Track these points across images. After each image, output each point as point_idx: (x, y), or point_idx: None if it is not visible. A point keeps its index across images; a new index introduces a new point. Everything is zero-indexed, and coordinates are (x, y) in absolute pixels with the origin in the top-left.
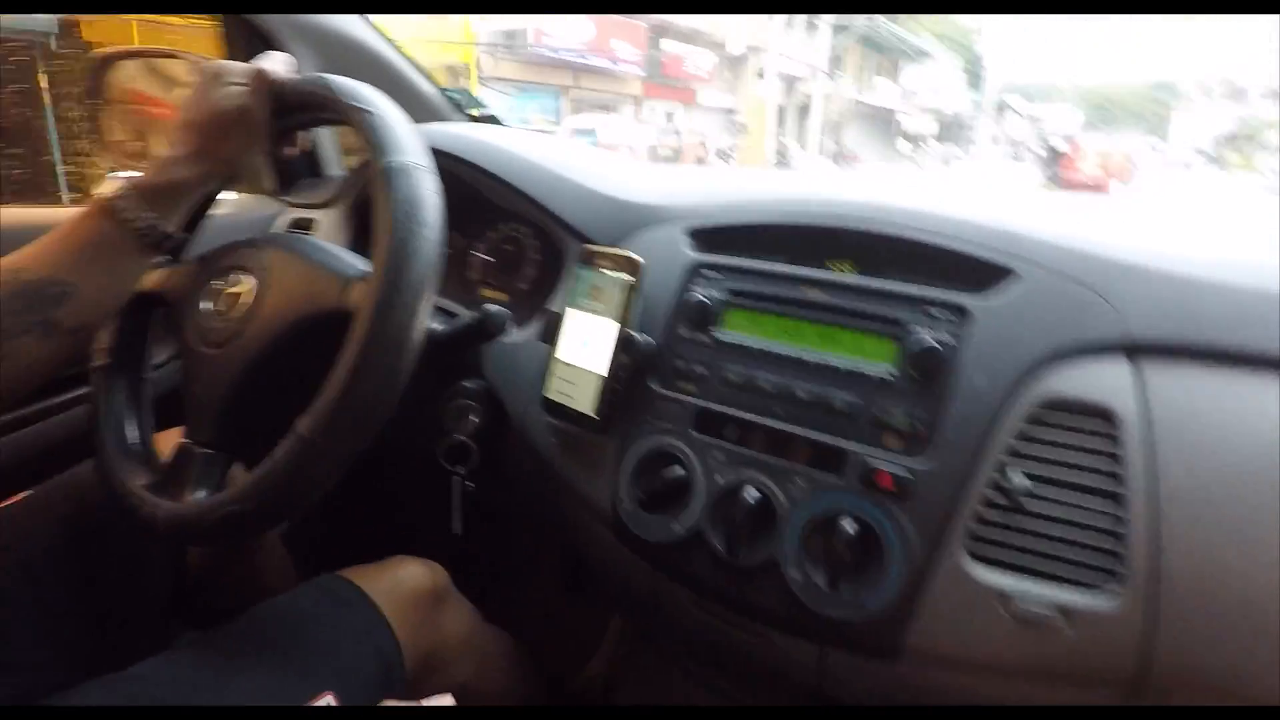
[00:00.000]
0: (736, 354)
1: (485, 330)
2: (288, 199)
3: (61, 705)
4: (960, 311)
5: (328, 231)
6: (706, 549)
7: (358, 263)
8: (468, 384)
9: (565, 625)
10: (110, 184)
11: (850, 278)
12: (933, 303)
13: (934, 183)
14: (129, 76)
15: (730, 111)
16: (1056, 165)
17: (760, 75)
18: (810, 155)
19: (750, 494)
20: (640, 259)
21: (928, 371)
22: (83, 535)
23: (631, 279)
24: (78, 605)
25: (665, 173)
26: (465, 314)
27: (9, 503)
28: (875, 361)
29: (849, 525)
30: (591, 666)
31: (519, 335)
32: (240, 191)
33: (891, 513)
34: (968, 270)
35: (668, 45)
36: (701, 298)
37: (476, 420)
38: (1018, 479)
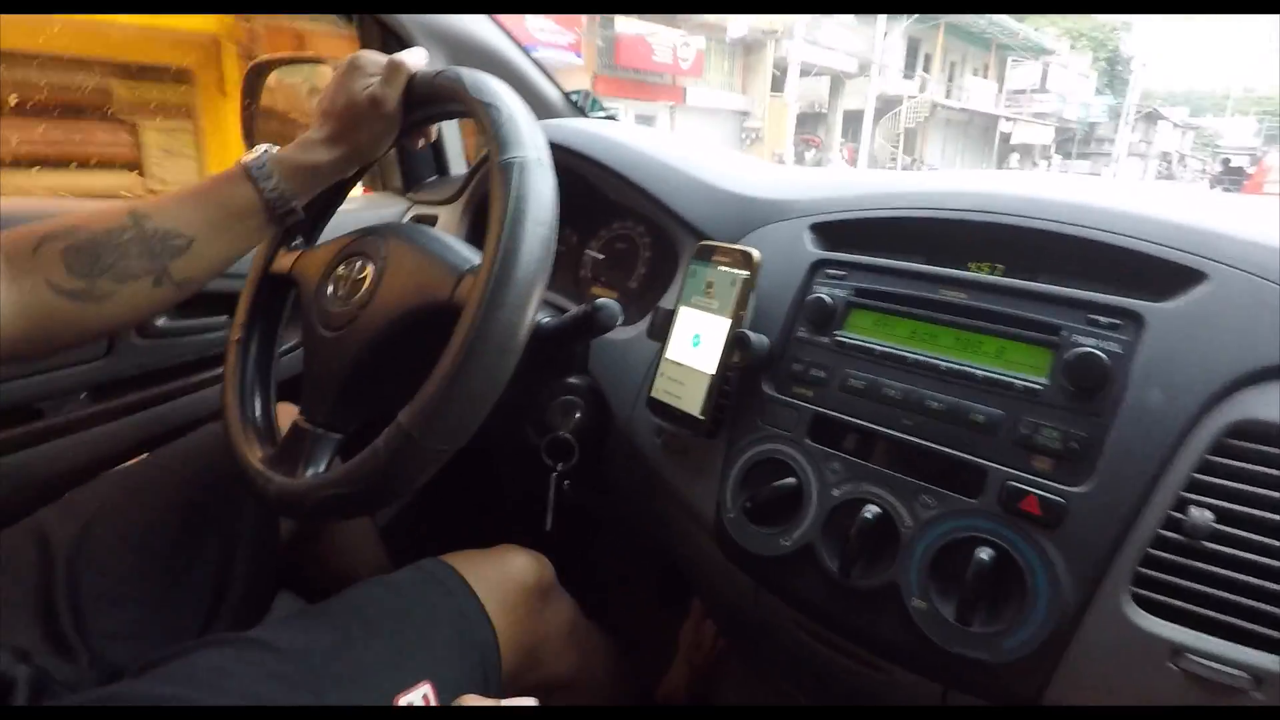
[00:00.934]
0: (860, 358)
1: (595, 324)
2: (412, 195)
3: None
4: (1133, 318)
5: (447, 227)
6: (817, 567)
7: (473, 257)
8: (573, 380)
9: (652, 630)
10: (252, 153)
11: (998, 279)
12: (1098, 308)
13: (1090, 180)
14: (281, 83)
15: (743, 114)
16: (1237, 186)
17: (780, 70)
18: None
19: (870, 510)
20: (757, 254)
21: (1088, 385)
22: (193, 497)
23: (746, 274)
24: (186, 563)
25: (792, 171)
26: (574, 308)
27: (131, 463)
28: (1023, 372)
29: (985, 553)
30: (673, 674)
31: (628, 333)
32: (369, 188)
33: (1038, 543)
34: (1143, 272)
35: (624, 24)
36: (823, 296)
37: (580, 417)
38: (1199, 516)
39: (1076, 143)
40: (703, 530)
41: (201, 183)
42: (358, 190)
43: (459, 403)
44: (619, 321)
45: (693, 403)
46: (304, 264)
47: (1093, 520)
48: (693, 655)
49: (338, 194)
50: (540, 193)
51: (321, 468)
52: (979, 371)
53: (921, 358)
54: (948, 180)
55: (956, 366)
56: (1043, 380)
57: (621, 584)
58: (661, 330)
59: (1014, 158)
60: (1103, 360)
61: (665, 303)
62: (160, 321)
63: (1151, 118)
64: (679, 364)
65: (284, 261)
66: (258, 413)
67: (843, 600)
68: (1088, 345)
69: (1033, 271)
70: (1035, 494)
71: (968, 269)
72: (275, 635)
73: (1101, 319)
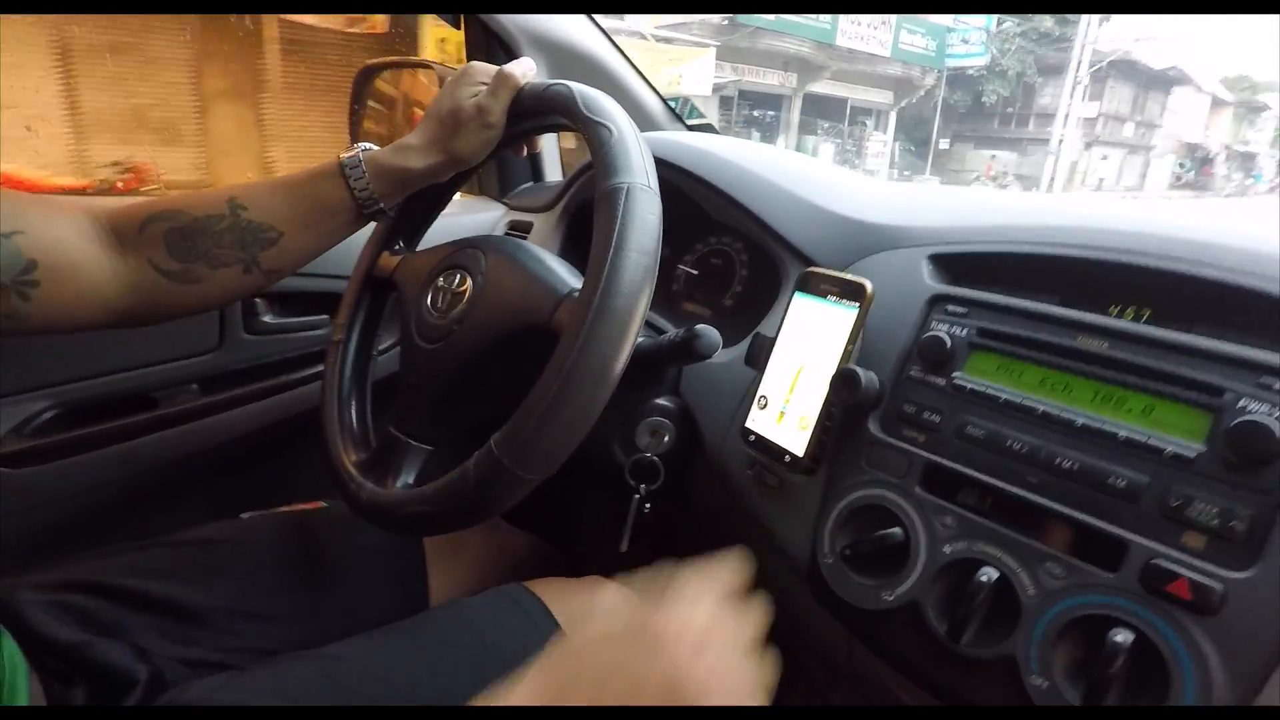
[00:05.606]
0: (981, 404)
1: (693, 351)
2: (507, 201)
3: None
4: None
5: (542, 236)
6: (922, 628)
7: (572, 280)
8: (664, 401)
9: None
10: (348, 152)
11: (1150, 329)
12: (1272, 370)
13: (1255, 212)
14: (388, 85)
15: None
16: None
17: None
18: None
19: (987, 573)
20: (869, 285)
21: (1256, 456)
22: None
23: (856, 308)
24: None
25: (910, 191)
26: (672, 331)
27: (309, 507)
28: (1176, 435)
29: (1123, 636)
30: None
31: (723, 356)
32: (465, 192)
33: (1185, 630)
34: None
35: None
36: (940, 335)
37: (669, 440)
38: None
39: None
40: (794, 572)
41: (297, 175)
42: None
43: (552, 432)
44: (718, 350)
45: (790, 438)
46: (405, 269)
47: (1257, 611)
48: None
49: (440, 198)
50: (645, 221)
51: (411, 479)
52: (1121, 430)
53: (1053, 410)
54: (1091, 212)
55: (1095, 423)
56: (1199, 446)
57: None
58: (760, 359)
59: None
60: (1276, 431)
61: (765, 329)
62: (266, 318)
63: (1146, 79)
64: (777, 397)
65: (386, 264)
66: (354, 415)
67: (949, 667)
68: (1258, 412)
69: (1187, 321)
70: (1186, 575)
71: (1108, 313)
72: (359, 652)
73: (1276, 382)
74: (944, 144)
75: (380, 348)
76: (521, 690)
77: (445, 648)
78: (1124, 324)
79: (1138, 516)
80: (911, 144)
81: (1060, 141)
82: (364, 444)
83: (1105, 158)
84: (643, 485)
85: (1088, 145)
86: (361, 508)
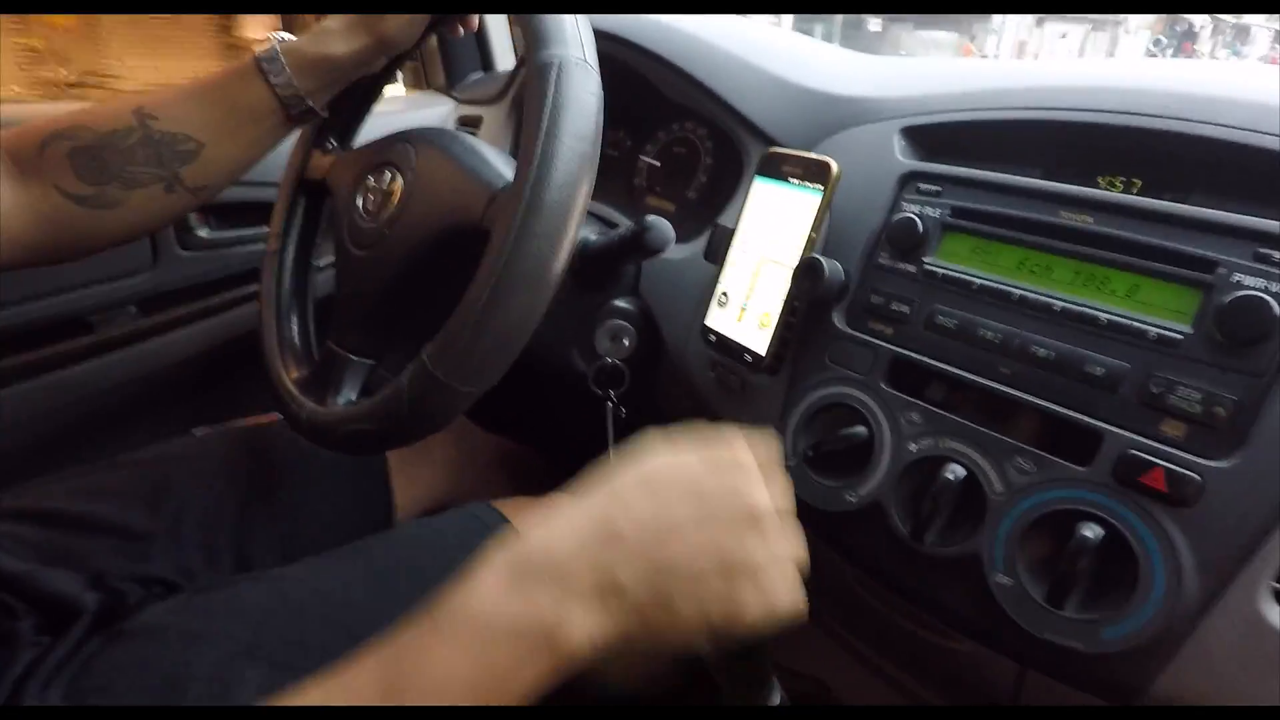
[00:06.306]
0: (953, 291)
1: (644, 245)
2: (456, 95)
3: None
4: None
5: (493, 129)
6: (885, 528)
7: (509, 172)
8: (622, 303)
9: None
10: (263, 45)
11: (1137, 199)
12: (1271, 239)
13: (1253, 70)
14: None
15: None
16: None
17: None
18: None
19: (953, 471)
20: (835, 165)
21: (1246, 336)
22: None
23: (821, 190)
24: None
25: (880, 61)
26: (624, 224)
27: (263, 420)
28: (1160, 316)
29: (1091, 531)
30: None
31: (683, 251)
32: (413, 88)
33: (1159, 524)
34: None
35: None
36: (912, 216)
37: (630, 344)
38: None
39: None
40: None
41: (211, 77)
42: (400, 89)
43: (487, 342)
44: (670, 243)
45: (751, 336)
46: (338, 169)
47: (1234, 502)
48: None
49: (371, 90)
50: (581, 101)
51: (353, 396)
52: (1102, 314)
53: (1030, 294)
54: (1075, 72)
55: (1075, 306)
56: (1185, 328)
57: None
58: (719, 252)
59: None
60: (1268, 305)
61: (726, 220)
62: (203, 232)
63: None
64: (738, 293)
65: (318, 165)
66: (294, 330)
67: (913, 566)
68: (1253, 287)
69: (1182, 190)
70: (1163, 466)
71: (1097, 184)
72: (313, 574)
73: (1275, 253)
74: (875, 26)
75: (325, 262)
76: (619, 483)
77: (404, 569)
78: (1111, 195)
79: (1115, 406)
80: (837, 25)
81: (1004, 17)
82: (305, 360)
83: (1064, 35)
84: (611, 392)
85: (1039, 21)
86: (301, 427)
